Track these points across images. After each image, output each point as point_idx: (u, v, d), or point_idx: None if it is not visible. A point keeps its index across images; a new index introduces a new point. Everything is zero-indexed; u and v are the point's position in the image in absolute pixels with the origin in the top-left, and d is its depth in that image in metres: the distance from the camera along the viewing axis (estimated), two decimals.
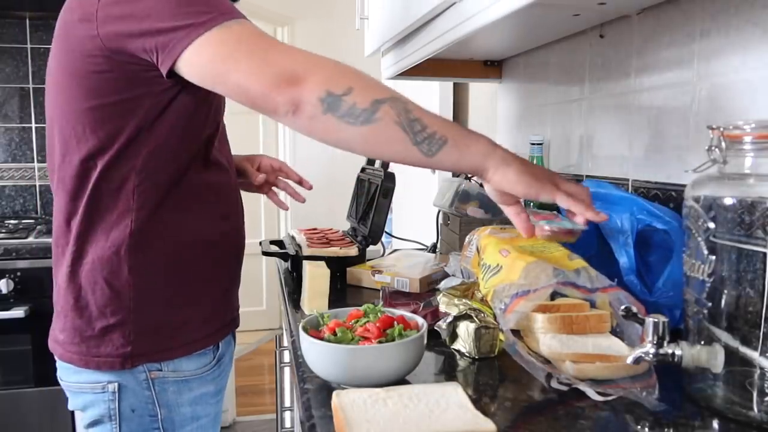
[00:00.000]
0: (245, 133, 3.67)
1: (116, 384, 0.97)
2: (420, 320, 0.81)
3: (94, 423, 1.00)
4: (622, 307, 0.73)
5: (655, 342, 0.69)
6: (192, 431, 1.04)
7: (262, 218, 4.14)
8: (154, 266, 0.97)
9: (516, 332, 0.81)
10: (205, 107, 0.97)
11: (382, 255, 1.54)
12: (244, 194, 1.22)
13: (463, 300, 0.92)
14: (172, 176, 0.96)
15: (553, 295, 0.85)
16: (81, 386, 0.99)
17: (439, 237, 1.67)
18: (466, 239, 1.09)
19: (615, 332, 0.80)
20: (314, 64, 0.81)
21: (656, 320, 0.69)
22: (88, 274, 0.96)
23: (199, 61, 0.83)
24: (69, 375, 1.00)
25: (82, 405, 1.00)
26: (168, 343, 0.99)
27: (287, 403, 1.47)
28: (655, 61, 1.14)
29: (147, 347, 0.97)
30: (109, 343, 0.96)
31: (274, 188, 1.33)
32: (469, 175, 1.69)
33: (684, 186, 0.72)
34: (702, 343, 0.68)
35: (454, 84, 2.38)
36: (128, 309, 0.96)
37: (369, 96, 0.79)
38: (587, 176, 1.37)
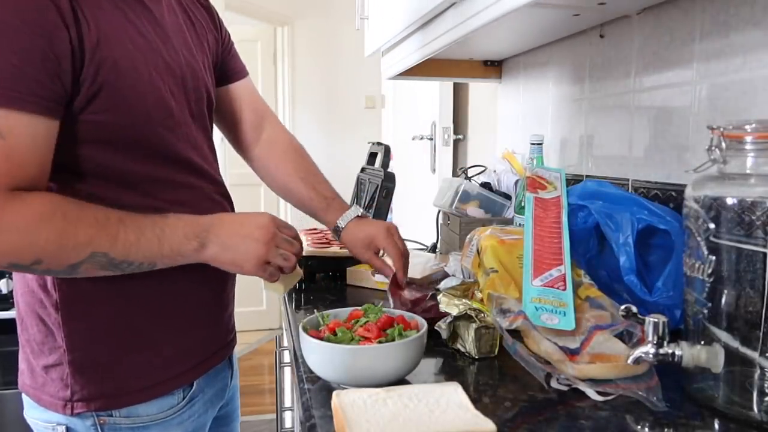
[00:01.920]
0: None
1: (64, 427, 0.85)
2: (420, 320, 0.81)
3: None
4: (622, 307, 0.73)
5: (655, 342, 0.69)
6: None
7: None
8: (89, 301, 0.83)
9: (515, 332, 0.81)
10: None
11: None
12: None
13: (463, 300, 0.91)
14: (91, 197, 0.79)
15: None
16: (37, 423, 0.88)
17: (439, 237, 1.67)
18: (467, 239, 1.09)
19: (620, 335, 0.80)
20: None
21: (656, 320, 0.69)
22: (25, 308, 0.86)
23: None
24: (28, 409, 0.89)
25: None
26: (116, 389, 0.84)
27: (287, 403, 1.47)
28: (655, 61, 1.14)
29: (89, 393, 0.83)
30: (51, 384, 0.84)
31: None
32: (470, 176, 1.69)
33: (684, 186, 0.72)
34: (702, 343, 0.68)
35: (454, 84, 2.38)
36: (63, 349, 0.83)
37: (62, 263, 0.74)
38: (587, 176, 1.37)
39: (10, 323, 1.92)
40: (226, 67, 1.08)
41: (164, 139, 0.85)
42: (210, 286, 0.95)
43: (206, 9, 1.05)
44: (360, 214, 1.11)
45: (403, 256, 1.08)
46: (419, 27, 1.40)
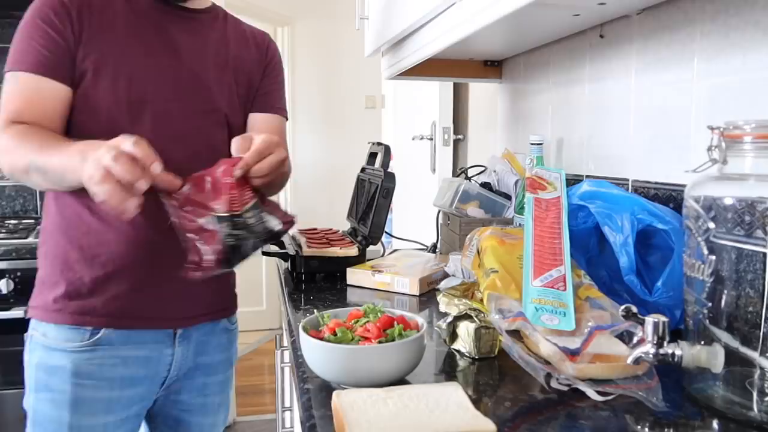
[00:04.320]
0: None
1: (29, 334, 1.14)
2: (420, 320, 0.81)
3: None
4: (622, 308, 0.73)
5: (655, 342, 0.69)
6: (42, 400, 1.09)
7: None
8: (48, 231, 1.12)
9: (515, 332, 0.81)
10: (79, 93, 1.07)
11: (382, 255, 1.54)
12: None
13: (463, 300, 0.92)
14: None
15: None
16: None
17: (439, 237, 1.67)
18: (467, 239, 1.09)
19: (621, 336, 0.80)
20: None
21: (656, 320, 0.69)
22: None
23: None
24: None
25: None
26: (42, 303, 1.10)
27: (287, 403, 1.47)
28: (655, 61, 1.14)
29: (33, 302, 1.12)
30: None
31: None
32: (470, 176, 1.69)
33: (684, 186, 0.72)
34: (702, 343, 0.68)
35: (454, 84, 2.38)
36: (41, 265, 1.14)
37: (14, 169, 1.02)
38: (587, 176, 1.37)
39: (10, 323, 1.93)
40: (258, 100, 1.26)
41: (125, 120, 1.07)
42: (133, 255, 1.09)
43: (258, 50, 1.26)
44: None
45: (258, 149, 0.91)
46: (419, 27, 1.40)
